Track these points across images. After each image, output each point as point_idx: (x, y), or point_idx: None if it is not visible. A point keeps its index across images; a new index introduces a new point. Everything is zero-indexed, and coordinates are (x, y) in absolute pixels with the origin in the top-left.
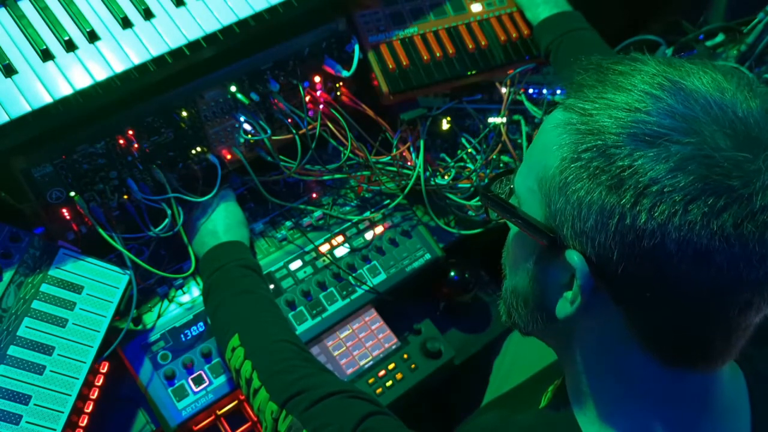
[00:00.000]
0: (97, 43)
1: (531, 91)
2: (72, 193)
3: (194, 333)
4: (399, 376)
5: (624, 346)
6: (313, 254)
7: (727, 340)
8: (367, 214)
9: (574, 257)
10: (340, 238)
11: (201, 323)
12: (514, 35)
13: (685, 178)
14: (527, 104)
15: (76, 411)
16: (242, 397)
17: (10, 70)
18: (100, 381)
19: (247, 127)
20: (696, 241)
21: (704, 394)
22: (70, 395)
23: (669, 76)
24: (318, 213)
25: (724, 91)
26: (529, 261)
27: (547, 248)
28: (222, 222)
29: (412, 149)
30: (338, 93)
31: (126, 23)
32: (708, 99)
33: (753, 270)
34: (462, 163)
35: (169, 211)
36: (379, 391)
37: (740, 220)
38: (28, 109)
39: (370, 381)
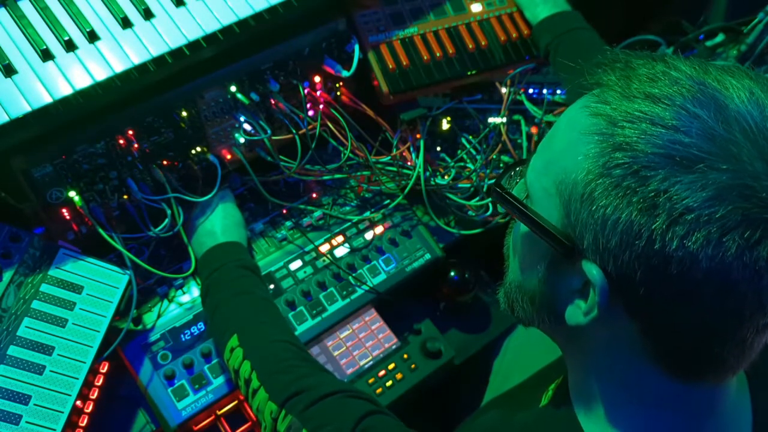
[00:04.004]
0: (97, 43)
1: (531, 91)
2: (72, 193)
3: (194, 333)
4: (399, 376)
5: (634, 356)
6: (313, 254)
7: (740, 357)
8: (367, 214)
9: (593, 271)
10: (340, 238)
11: (201, 323)
12: (514, 35)
13: (724, 208)
14: (527, 104)
15: (76, 411)
16: (242, 397)
17: (10, 70)
18: (100, 381)
19: (247, 127)
20: (726, 272)
21: (711, 402)
22: (70, 395)
23: (704, 89)
24: (318, 213)
25: (764, 107)
26: (540, 264)
27: (561, 254)
28: (220, 223)
29: (412, 149)
30: (338, 93)
31: (126, 23)
32: (747, 119)
33: None
34: (462, 163)
35: (169, 211)
36: (379, 391)
37: None
38: (28, 109)
39: (370, 381)
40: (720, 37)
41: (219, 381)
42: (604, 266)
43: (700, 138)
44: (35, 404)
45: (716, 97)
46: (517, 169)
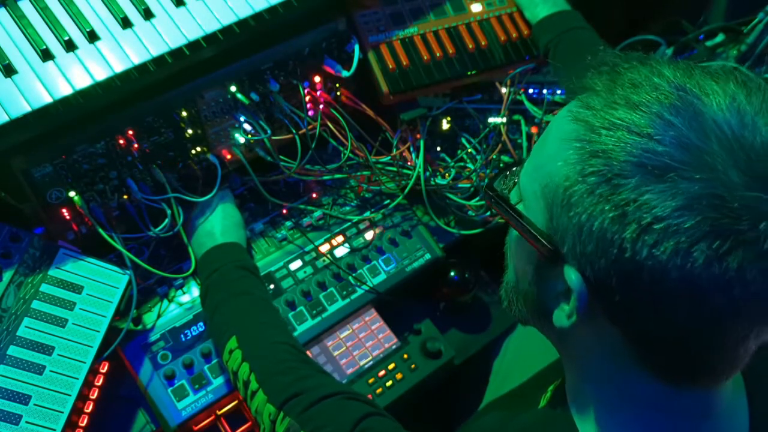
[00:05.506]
0: (97, 43)
1: (531, 91)
2: (72, 193)
3: (194, 333)
4: (399, 376)
5: (621, 360)
6: (313, 254)
7: (730, 363)
8: (367, 214)
9: (572, 276)
10: (340, 238)
11: (201, 323)
12: (514, 35)
13: (692, 218)
14: (527, 104)
15: (76, 411)
16: (241, 398)
17: (10, 70)
18: (100, 381)
19: (247, 127)
20: (696, 282)
21: (705, 405)
22: (70, 395)
23: (685, 96)
24: (318, 213)
25: (744, 115)
26: (529, 265)
27: (546, 257)
28: (219, 223)
29: (412, 149)
30: (338, 93)
31: (126, 23)
32: (723, 127)
33: (753, 309)
34: (462, 163)
35: (169, 211)
36: (379, 391)
37: (744, 263)
38: (28, 109)
39: (370, 381)
40: (720, 37)
41: (219, 381)
42: (582, 271)
43: (673, 147)
44: (35, 404)
45: (694, 103)
46: (514, 169)
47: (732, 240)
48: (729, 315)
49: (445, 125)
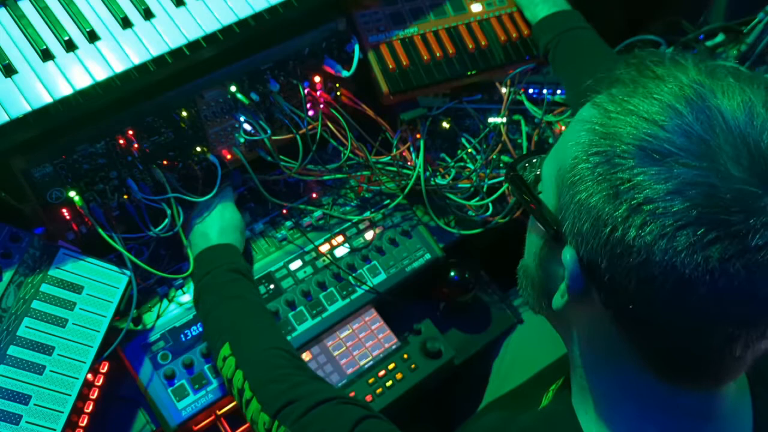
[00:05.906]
0: (97, 43)
1: (531, 91)
2: (72, 193)
3: (194, 333)
4: (399, 376)
5: (617, 352)
6: (313, 254)
7: (718, 366)
8: (367, 214)
9: (566, 256)
10: (340, 238)
11: (201, 323)
12: (514, 35)
13: (681, 203)
14: (527, 104)
15: (76, 411)
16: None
17: (10, 70)
18: (100, 381)
19: (247, 127)
20: (679, 269)
21: (706, 408)
22: (70, 395)
23: (700, 90)
24: (318, 213)
25: (755, 117)
26: (538, 246)
27: (551, 238)
28: (216, 225)
29: (412, 149)
30: (338, 93)
31: (126, 23)
32: (732, 124)
33: (737, 307)
34: (462, 163)
35: (169, 211)
36: (379, 391)
37: (729, 255)
38: (28, 109)
39: (370, 381)
40: (720, 37)
41: (219, 381)
42: (577, 251)
43: (676, 134)
44: (35, 404)
45: (707, 97)
46: (534, 160)
47: (718, 230)
48: (713, 309)
49: (445, 125)
